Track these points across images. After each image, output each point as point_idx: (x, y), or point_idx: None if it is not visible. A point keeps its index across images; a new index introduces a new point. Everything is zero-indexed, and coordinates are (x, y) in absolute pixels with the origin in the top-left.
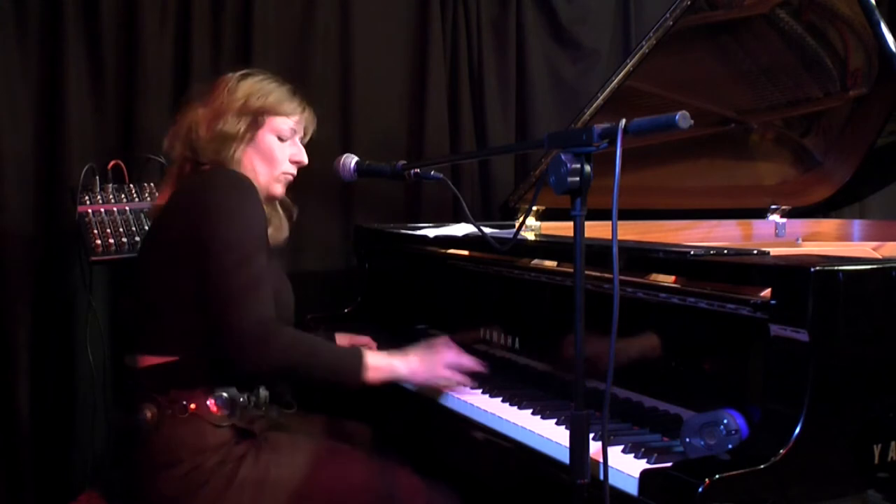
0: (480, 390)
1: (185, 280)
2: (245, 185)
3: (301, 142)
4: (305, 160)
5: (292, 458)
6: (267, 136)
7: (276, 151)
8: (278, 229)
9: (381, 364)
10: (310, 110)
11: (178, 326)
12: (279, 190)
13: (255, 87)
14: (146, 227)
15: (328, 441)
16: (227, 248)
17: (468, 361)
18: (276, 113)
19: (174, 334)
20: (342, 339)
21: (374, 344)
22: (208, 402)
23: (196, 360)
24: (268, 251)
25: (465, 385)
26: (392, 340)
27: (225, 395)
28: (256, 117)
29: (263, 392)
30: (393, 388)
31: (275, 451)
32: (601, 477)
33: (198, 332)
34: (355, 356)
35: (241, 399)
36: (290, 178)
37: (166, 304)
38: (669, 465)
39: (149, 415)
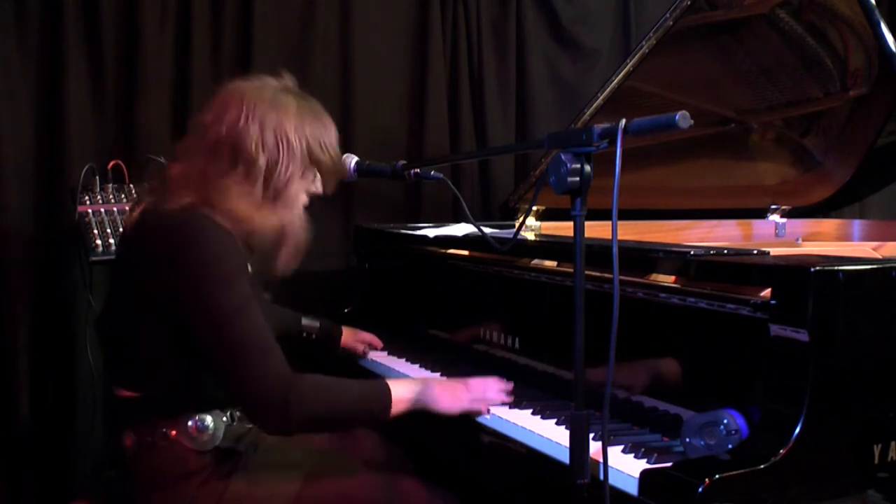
0: None
1: (163, 332)
2: (216, 234)
3: None
4: (322, 190)
5: (286, 470)
6: (295, 185)
7: (300, 198)
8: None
9: (407, 396)
10: (344, 165)
11: (152, 368)
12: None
13: (320, 136)
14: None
15: (325, 447)
16: (217, 319)
17: (495, 395)
18: (329, 174)
19: (147, 374)
20: (347, 333)
21: (378, 342)
22: (189, 427)
23: (172, 393)
24: (253, 288)
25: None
26: (392, 340)
27: (208, 418)
28: (307, 171)
29: None
30: None
31: (267, 462)
32: (601, 477)
33: (172, 375)
34: (382, 393)
35: (225, 419)
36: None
37: (140, 346)
38: (669, 465)
39: (128, 442)
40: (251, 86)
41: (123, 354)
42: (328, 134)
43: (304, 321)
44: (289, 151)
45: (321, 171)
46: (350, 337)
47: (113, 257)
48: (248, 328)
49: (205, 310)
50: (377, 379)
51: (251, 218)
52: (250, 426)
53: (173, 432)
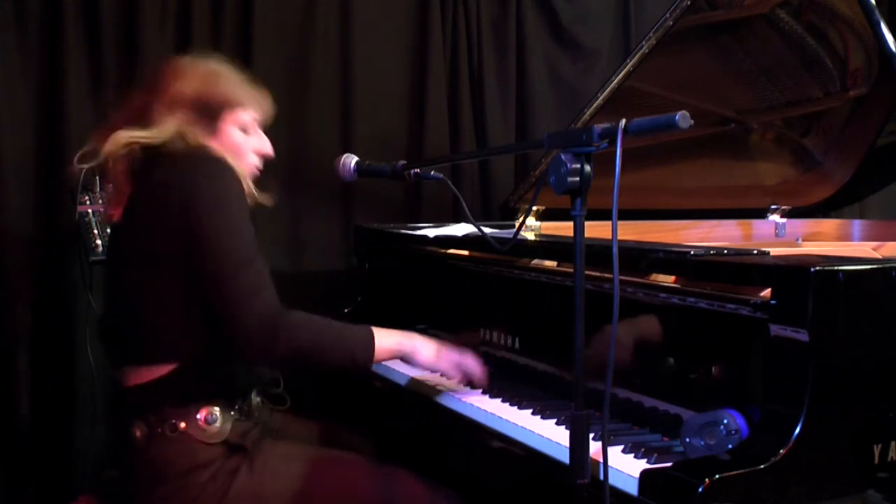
0: (480, 391)
1: (171, 283)
2: (225, 165)
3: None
4: (271, 151)
5: (289, 468)
6: (230, 129)
7: (242, 145)
8: None
9: (389, 343)
10: (268, 98)
11: (167, 333)
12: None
13: (211, 75)
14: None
15: (326, 447)
16: (227, 242)
17: (473, 367)
18: (237, 104)
19: (164, 342)
20: None
21: None
22: (198, 420)
23: (187, 370)
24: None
25: (461, 386)
26: None
27: (217, 410)
28: (216, 108)
29: (256, 398)
30: (392, 391)
31: (270, 462)
32: (601, 477)
33: (189, 337)
34: (366, 336)
35: (233, 412)
36: (258, 171)
37: (152, 312)
38: (669, 465)
39: (138, 434)
40: (170, 61)
41: (135, 331)
42: (221, 73)
43: None
44: (211, 97)
45: (244, 105)
46: None
47: None
48: (247, 275)
49: (212, 256)
50: (363, 327)
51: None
52: (256, 422)
53: (182, 424)
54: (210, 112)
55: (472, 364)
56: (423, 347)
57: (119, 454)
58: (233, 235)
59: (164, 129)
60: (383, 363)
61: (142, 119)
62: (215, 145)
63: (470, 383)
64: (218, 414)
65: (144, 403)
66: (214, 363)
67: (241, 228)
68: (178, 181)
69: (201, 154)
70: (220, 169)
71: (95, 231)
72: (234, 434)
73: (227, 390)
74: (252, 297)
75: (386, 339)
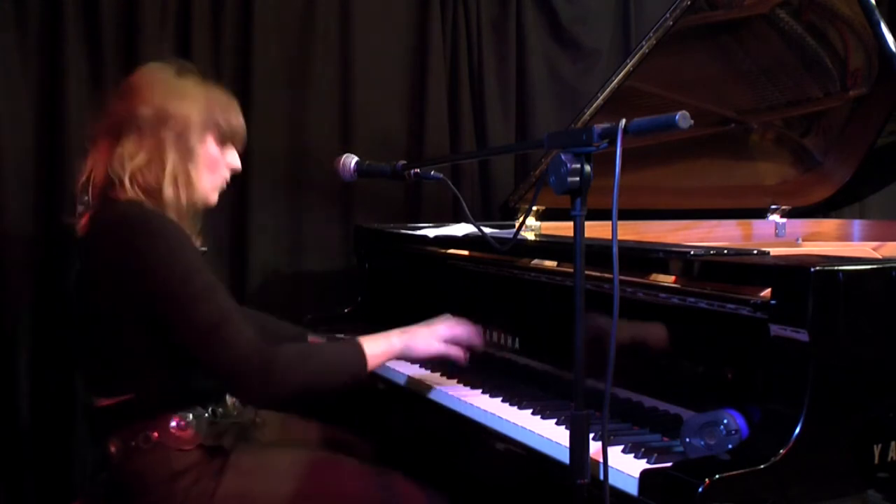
0: (480, 390)
1: (130, 328)
2: (162, 223)
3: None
4: (240, 167)
5: (278, 467)
6: (209, 146)
7: (219, 160)
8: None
9: (380, 350)
10: (238, 116)
11: (127, 369)
12: (215, 198)
13: (194, 99)
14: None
15: (318, 447)
16: (178, 292)
17: (462, 332)
18: (223, 129)
19: (124, 377)
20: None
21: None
22: (171, 428)
23: (154, 391)
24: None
25: (460, 358)
26: None
27: (189, 415)
28: (188, 133)
29: (230, 399)
30: (390, 391)
31: (258, 462)
32: (601, 477)
33: (148, 372)
34: (354, 349)
35: (206, 415)
36: (225, 185)
37: (113, 349)
38: (669, 465)
39: (113, 449)
40: (146, 70)
41: (98, 362)
42: (224, 101)
43: (311, 337)
44: (186, 118)
45: (221, 134)
46: None
47: None
48: (216, 310)
49: (173, 300)
50: (350, 341)
51: (177, 194)
52: (233, 422)
53: (155, 434)
54: (184, 136)
55: (461, 329)
56: (415, 345)
57: (99, 470)
58: (190, 296)
59: (140, 157)
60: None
61: (119, 135)
62: (189, 166)
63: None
64: (191, 419)
65: (115, 420)
66: (182, 380)
67: (196, 284)
68: (120, 238)
69: (138, 209)
70: (160, 225)
71: None
72: (210, 437)
73: (197, 396)
74: (233, 352)
75: (375, 347)
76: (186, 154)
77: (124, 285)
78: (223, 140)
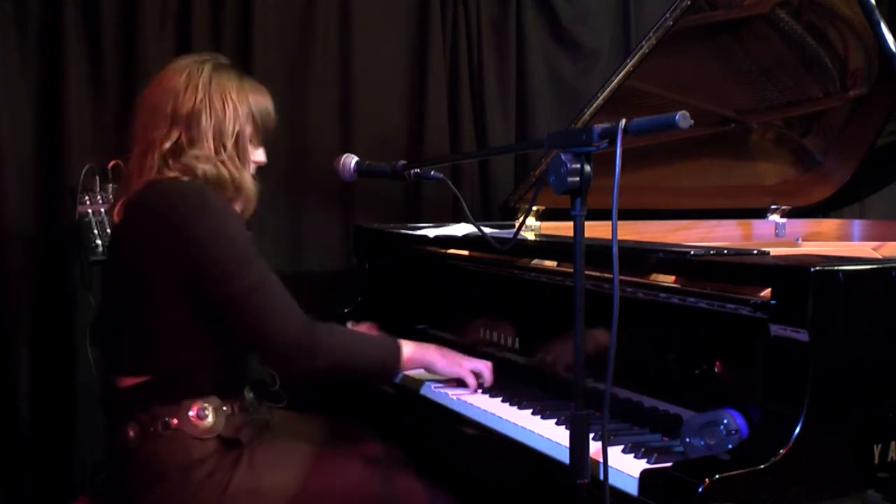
0: (480, 390)
1: (165, 303)
2: (207, 194)
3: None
4: (265, 161)
5: (288, 464)
6: (245, 138)
7: (251, 155)
8: None
9: (415, 354)
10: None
11: (156, 346)
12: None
13: (257, 98)
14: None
15: (326, 444)
16: (234, 269)
17: (485, 370)
18: (268, 128)
19: (151, 355)
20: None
21: (374, 329)
22: (190, 416)
23: (178, 373)
24: None
25: (472, 385)
26: None
27: (208, 406)
28: (237, 125)
29: (249, 394)
30: (392, 390)
31: (269, 457)
32: (601, 477)
33: (176, 352)
34: (394, 344)
35: (225, 408)
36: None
37: (144, 325)
38: (669, 465)
39: (131, 433)
40: (189, 60)
41: (126, 339)
42: (266, 99)
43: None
44: (234, 110)
45: (260, 132)
46: None
47: None
48: (263, 273)
49: (221, 264)
50: (388, 337)
51: (224, 177)
52: (251, 417)
53: (175, 421)
54: (223, 128)
55: (487, 370)
56: (441, 360)
57: (113, 456)
58: (239, 261)
59: (179, 145)
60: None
61: (159, 124)
62: (227, 154)
63: (480, 386)
64: (210, 409)
65: (136, 403)
66: (205, 364)
67: (244, 251)
68: (169, 211)
69: (189, 184)
70: (207, 199)
71: (95, 231)
72: (228, 429)
73: (218, 387)
74: (281, 318)
75: (411, 350)
76: (227, 144)
77: (167, 254)
78: (256, 134)
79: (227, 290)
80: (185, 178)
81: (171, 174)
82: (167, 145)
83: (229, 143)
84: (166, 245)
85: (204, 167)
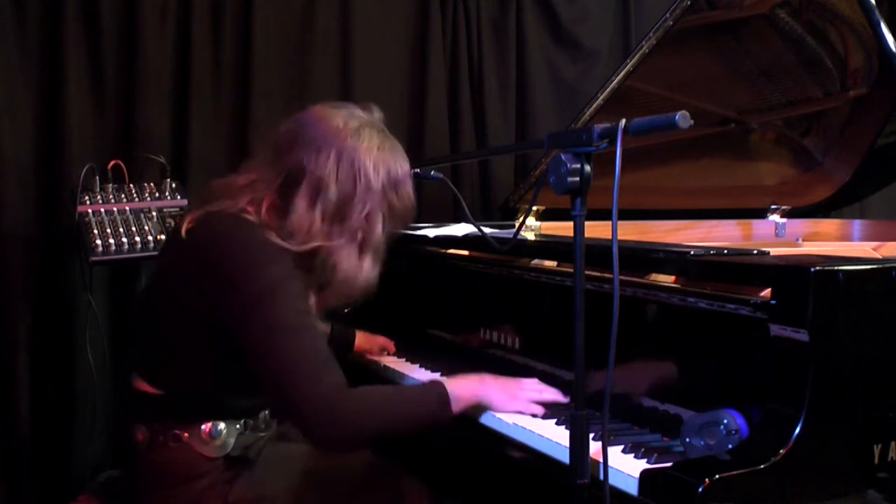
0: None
1: (202, 337)
2: (271, 249)
3: None
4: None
5: (290, 470)
6: (375, 224)
7: (377, 239)
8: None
9: (464, 393)
10: None
11: (179, 370)
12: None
13: (398, 176)
14: (146, 228)
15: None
16: (273, 323)
17: (551, 395)
18: (398, 219)
19: (174, 375)
20: (361, 338)
21: (392, 346)
22: (202, 432)
23: (195, 394)
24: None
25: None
26: (392, 341)
27: (221, 424)
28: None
29: (263, 413)
30: None
31: (271, 467)
32: (601, 477)
33: (197, 380)
34: (439, 392)
35: (238, 426)
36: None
37: (173, 347)
38: (669, 465)
39: (140, 437)
40: (336, 113)
41: (152, 350)
42: (405, 177)
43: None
44: (367, 188)
45: (391, 213)
46: (364, 341)
47: (113, 257)
48: (299, 347)
49: (254, 323)
50: (435, 383)
51: (312, 233)
52: (261, 435)
53: (185, 434)
54: (346, 205)
55: (550, 392)
56: (498, 395)
57: (122, 451)
58: (277, 304)
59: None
60: (391, 368)
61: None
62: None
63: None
64: (223, 428)
65: (148, 409)
66: (229, 391)
67: (285, 295)
68: (225, 255)
69: (248, 229)
70: (265, 248)
71: (95, 231)
72: (237, 448)
73: (236, 412)
74: (312, 377)
75: (460, 391)
76: (348, 229)
77: (207, 295)
78: (388, 219)
79: (255, 353)
80: (258, 228)
81: (251, 218)
82: (271, 198)
83: (356, 223)
84: (212, 287)
85: (304, 227)
